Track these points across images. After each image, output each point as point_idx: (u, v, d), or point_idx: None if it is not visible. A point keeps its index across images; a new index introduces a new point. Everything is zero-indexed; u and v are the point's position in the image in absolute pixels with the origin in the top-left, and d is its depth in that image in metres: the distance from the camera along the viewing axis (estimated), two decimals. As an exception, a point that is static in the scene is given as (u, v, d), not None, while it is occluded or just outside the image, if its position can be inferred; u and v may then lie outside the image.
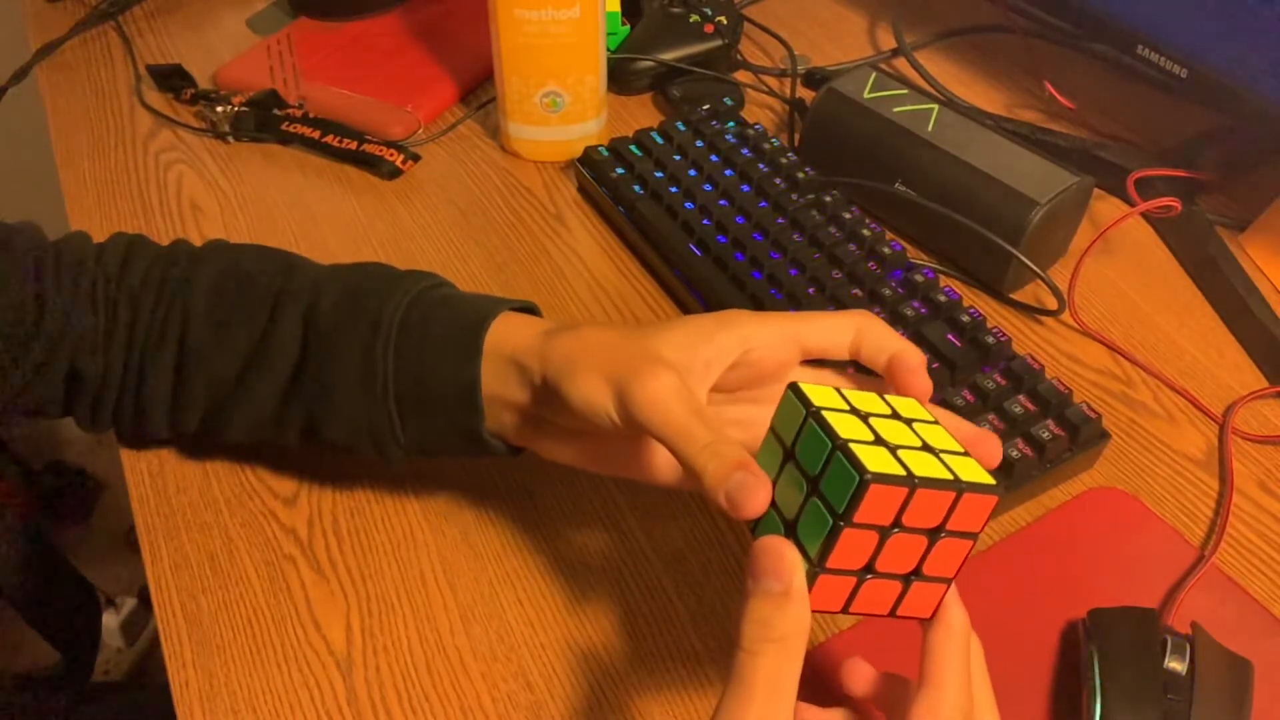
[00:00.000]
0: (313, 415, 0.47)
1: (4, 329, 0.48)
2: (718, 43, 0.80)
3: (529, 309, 0.48)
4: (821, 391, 0.34)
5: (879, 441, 0.32)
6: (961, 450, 0.34)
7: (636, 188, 0.66)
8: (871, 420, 0.34)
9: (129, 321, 0.50)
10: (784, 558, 0.31)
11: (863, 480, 0.30)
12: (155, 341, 0.49)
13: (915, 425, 0.35)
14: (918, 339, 0.55)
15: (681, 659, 0.45)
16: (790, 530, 0.33)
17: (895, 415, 0.35)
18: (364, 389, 0.45)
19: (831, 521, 0.31)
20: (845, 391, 0.35)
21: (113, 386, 0.51)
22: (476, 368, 0.43)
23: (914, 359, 0.39)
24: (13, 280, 0.49)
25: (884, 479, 0.30)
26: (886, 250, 0.59)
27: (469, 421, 0.44)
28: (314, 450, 0.54)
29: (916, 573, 0.33)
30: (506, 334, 0.44)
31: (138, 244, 0.53)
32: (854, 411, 0.34)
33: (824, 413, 0.33)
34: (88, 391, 0.51)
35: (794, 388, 0.34)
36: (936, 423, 0.36)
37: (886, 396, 0.36)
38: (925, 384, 0.38)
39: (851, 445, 0.31)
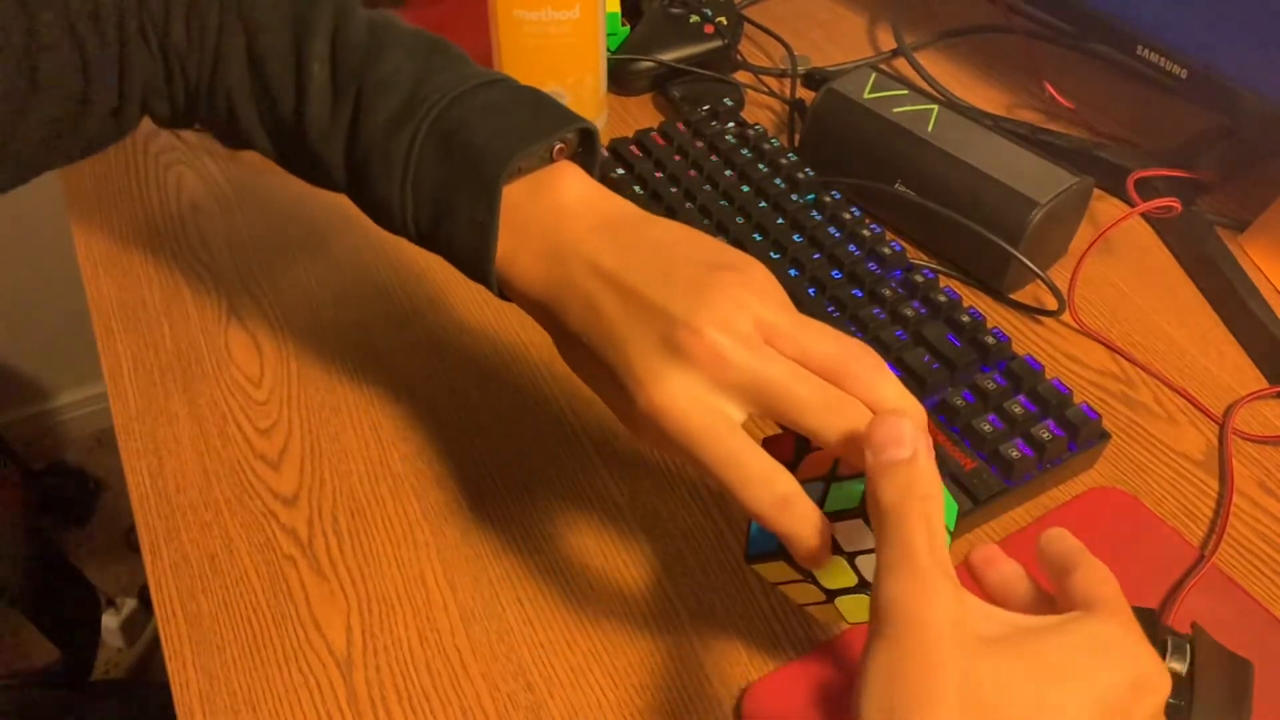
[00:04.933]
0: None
1: (53, 109, 0.46)
2: (718, 43, 0.80)
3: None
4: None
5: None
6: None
7: (636, 188, 0.66)
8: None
9: (182, 59, 0.48)
10: (902, 426, 0.33)
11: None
12: (212, 62, 0.47)
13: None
14: (918, 339, 0.55)
15: (681, 659, 0.45)
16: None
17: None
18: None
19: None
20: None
21: (183, 113, 0.50)
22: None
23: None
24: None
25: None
26: (886, 250, 0.59)
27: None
28: (314, 450, 0.54)
29: None
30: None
31: None
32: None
33: None
34: (163, 121, 0.51)
35: None
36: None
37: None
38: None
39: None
